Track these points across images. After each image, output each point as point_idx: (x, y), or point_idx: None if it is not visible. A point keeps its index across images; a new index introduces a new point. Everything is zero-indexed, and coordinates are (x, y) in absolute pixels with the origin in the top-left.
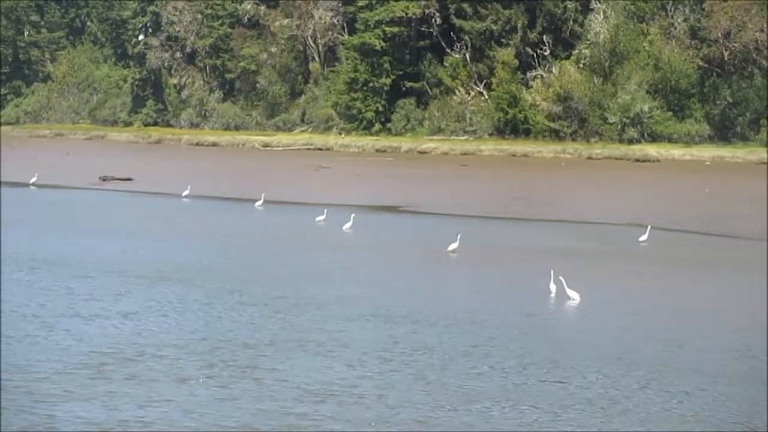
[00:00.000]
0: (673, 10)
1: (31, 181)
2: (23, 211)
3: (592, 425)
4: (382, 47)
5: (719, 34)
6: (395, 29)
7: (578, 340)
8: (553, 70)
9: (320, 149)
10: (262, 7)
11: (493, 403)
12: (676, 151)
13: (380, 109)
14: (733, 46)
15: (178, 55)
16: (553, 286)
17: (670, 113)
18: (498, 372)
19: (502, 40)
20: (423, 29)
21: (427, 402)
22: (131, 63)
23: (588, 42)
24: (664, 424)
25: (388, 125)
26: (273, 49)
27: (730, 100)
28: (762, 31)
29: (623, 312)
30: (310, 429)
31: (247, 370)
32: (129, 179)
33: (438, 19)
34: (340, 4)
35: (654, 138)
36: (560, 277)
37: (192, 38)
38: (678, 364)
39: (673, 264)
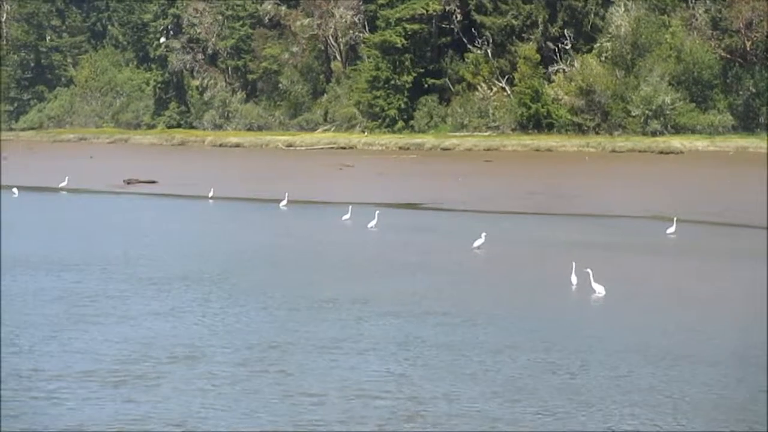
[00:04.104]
0: (694, 1)
1: (61, 185)
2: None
3: (615, 419)
4: (403, 45)
5: (741, 25)
6: (416, 26)
7: (601, 333)
8: (575, 63)
9: (343, 148)
10: (283, 7)
11: (515, 395)
12: (700, 143)
13: (403, 106)
14: (755, 36)
15: (199, 56)
16: (574, 279)
17: (693, 104)
18: (520, 365)
19: (524, 35)
20: (444, 26)
21: (455, 397)
22: (153, 66)
23: (609, 35)
24: (693, 418)
25: (411, 122)
26: (294, 49)
27: (753, 91)
28: None
29: (651, 304)
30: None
31: (270, 370)
32: (153, 182)
33: (459, 16)
34: (360, 3)
35: (677, 130)
36: (587, 270)
37: (213, 40)
38: (706, 356)
39: (701, 256)
